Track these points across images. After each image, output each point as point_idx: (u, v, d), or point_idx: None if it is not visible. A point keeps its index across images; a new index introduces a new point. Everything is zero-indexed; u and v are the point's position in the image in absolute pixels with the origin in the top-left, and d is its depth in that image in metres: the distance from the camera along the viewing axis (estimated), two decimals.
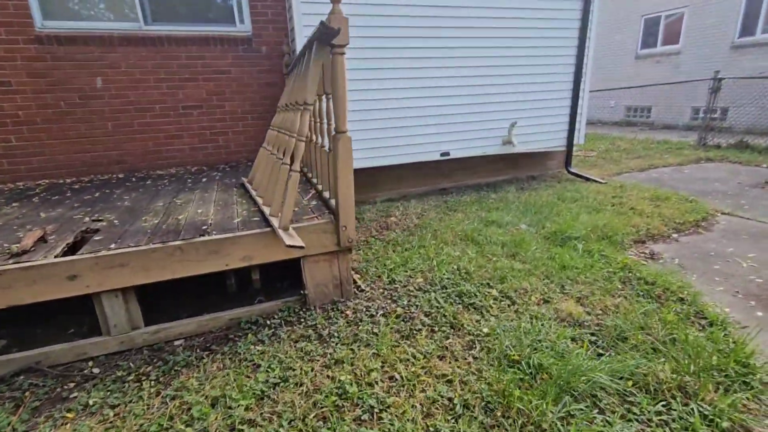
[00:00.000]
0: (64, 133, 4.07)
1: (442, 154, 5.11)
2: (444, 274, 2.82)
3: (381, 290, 2.68)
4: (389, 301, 2.54)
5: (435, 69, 4.72)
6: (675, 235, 3.58)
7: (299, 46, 4.11)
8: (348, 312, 2.44)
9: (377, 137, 4.67)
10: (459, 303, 2.48)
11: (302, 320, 2.39)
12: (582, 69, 5.38)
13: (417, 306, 2.46)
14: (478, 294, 2.55)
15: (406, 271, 2.91)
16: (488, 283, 2.67)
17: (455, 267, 2.92)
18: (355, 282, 2.76)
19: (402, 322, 2.31)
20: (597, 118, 13.73)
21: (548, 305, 2.43)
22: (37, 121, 3.99)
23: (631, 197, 4.58)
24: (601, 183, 5.31)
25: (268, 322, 2.37)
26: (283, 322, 2.38)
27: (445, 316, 2.34)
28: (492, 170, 5.91)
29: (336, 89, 2.17)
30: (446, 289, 2.64)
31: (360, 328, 2.26)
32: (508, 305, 2.44)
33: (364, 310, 2.45)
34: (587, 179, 5.55)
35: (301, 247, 2.06)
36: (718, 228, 3.72)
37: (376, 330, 2.24)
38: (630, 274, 2.77)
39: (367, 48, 4.33)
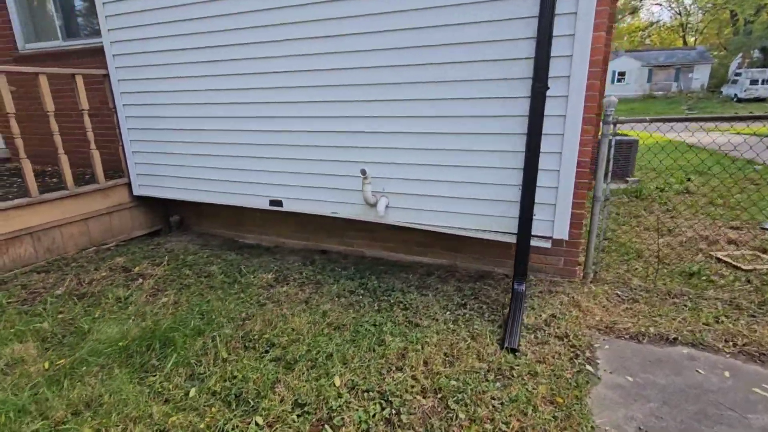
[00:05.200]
0: None
1: (272, 203, 3.47)
2: None
3: None
4: None
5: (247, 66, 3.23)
6: None
7: (110, 62, 3.68)
8: None
9: (175, 164, 3.65)
10: None
11: None
12: (543, 98, 2.41)
13: None
14: None
15: None
16: None
17: None
18: None
19: None
20: None
21: None
22: None
23: None
24: (512, 351, 2.27)
25: None
26: None
27: None
28: (410, 246, 3.59)
29: None
30: None
31: None
32: None
33: None
34: (512, 322, 2.48)
35: None
36: None
37: None
38: None
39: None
